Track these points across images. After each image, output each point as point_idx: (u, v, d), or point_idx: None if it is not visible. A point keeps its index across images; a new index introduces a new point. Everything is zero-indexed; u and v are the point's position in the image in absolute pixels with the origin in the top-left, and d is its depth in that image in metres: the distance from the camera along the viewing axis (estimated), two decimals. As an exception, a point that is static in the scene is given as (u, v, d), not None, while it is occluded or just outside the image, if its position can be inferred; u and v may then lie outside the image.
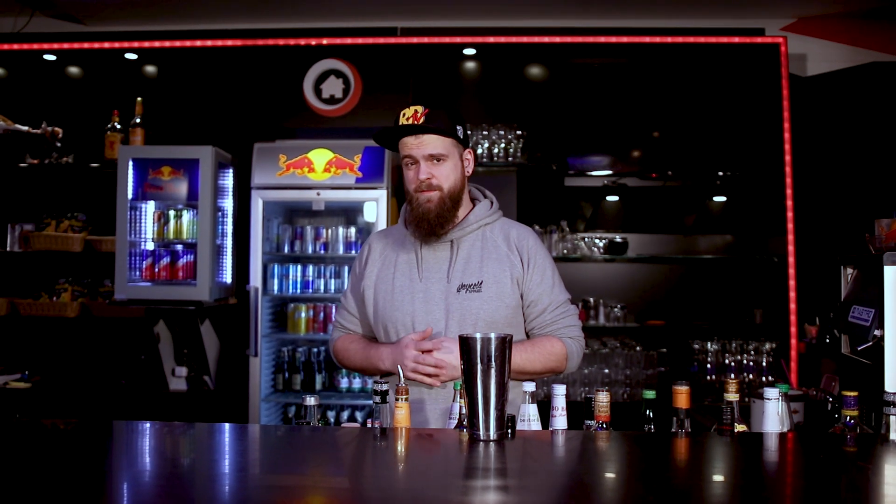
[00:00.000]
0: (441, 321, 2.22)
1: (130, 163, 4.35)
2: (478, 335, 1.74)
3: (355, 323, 2.44)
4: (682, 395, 1.96)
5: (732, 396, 2.06)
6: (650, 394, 2.09)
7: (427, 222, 2.24)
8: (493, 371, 1.73)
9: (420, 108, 2.21)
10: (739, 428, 2.03)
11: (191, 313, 4.35)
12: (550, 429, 1.93)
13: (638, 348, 4.55)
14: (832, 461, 1.70)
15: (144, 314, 4.49)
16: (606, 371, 4.48)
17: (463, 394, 1.78)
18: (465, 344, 1.75)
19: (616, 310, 4.74)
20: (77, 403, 4.58)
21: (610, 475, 1.58)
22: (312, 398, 2.11)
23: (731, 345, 4.51)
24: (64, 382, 4.74)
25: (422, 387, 2.21)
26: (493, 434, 1.74)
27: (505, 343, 1.74)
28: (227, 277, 4.64)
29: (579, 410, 2.02)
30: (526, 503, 1.33)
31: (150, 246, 4.52)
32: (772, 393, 1.97)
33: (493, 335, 1.74)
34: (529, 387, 1.96)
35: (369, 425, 2.12)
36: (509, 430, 1.82)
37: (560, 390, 1.94)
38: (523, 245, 2.32)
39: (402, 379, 1.96)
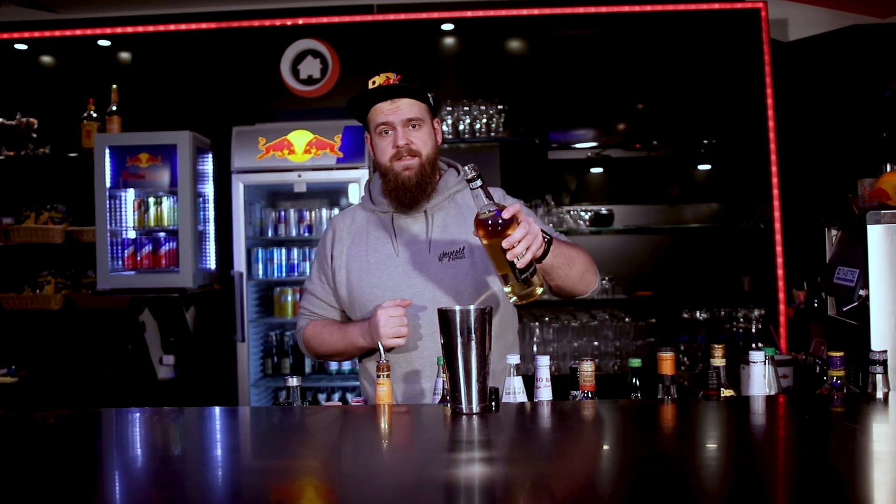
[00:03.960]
0: (426, 293, 2.16)
1: (107, 151, 4.29)
2: (457, 308, 1.71)
3: (325, 308, 2.36)
4: (666, 362, 1.94)
5: (718, 361, 2.04)
6: (636, 362, 2.07)
7: (408, 191, 2.16)
8: (473, 344, 1.70)
9: (392, 74, 2.14)
10: (726, 393, 2.02)
11: (175, 301, 4.31)
12: (535, 400, 1.91)
13: (627, 319, 4.55)
14: (819, 422, 1.68)
15: (129, 303, 4.45)
16: (596, 343, 4.47)
17: (445, 368, 1.75)
18: (445, 317, 1.72)
19: (604, 282, 4.72)
20: (65, 396, 4.55)
21: (593, 443, 1.56)
22: (295, 379, 2.08)
23: (720, 313, 4.51)
24: (51, 376, 4.70)
25: (414, 358, 2.16)
26: (475, 407, 1.71)
27: (485, 315, 1.72)
28: (211, 263, 4.60)
29: (567, 384, 2.00)
30: (507, 474, 1.30)
31: (132, 234, 4.47)
32: (757, 356, 1.95)
33: (472, 307, 1.71)
34: (514, 359, 1.94)
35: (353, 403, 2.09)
36: (493, 403, 1.80)
37: (544, 361, 1.92)
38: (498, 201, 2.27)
39: (383, 355, 1.93)
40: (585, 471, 1.35)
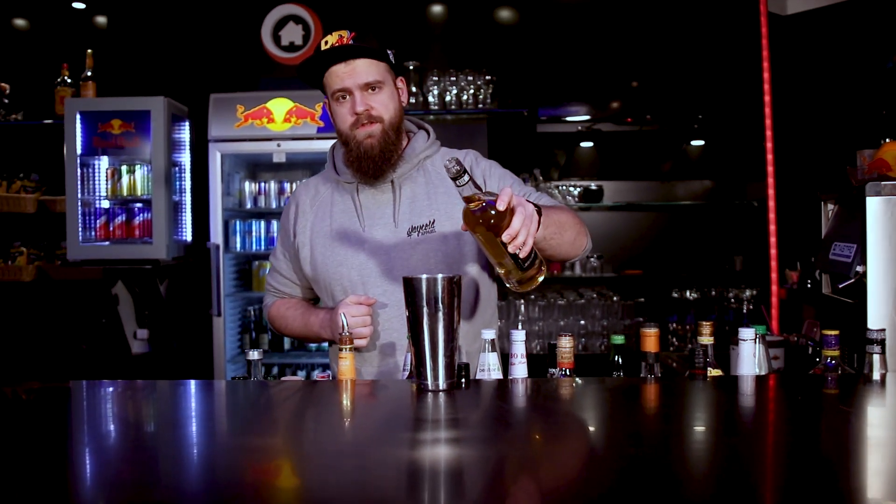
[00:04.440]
0: (395, 270, 2.01)
1: (78, 116, 4.13)
2: (423, 276, 1.58)
3: (291, 286, 2.24)
4: (650, 338, 1.82)
5: (706, 339, 1.92)
6: (618, 339, 1.95)
7: (371, 160, 2.00)
8: (440, 315, 1.57)
9: (345, 32, 1.95)
10: (714, 373, 1.90)
11: (149, 273, 4.17)
12: (510, 377, 1.79)
13: (615, 298, 4.43)
14: (811, 404, 1.56)
15: (102, 275, 4.30)
16: (583, 322, 4.36)
17: (410, 342, 1.62)
18: (410, 286, 1.59)
19: (592, 260, 4.60)
20: (37, 370, 4.42)
21: (566, 424, 1.44)
22: (255, 352, 1.96)
23: (711, 293, 4.40)
24: (23, 349, 4.56)
25: (389, 332, 2.03)
26: (442, 383, 1.59)
27: (453, 284, 1.59)
28: (188, 235, 4.45)
29: (545, 363, 1.88)
30: (465, 456, 1.18)
31: (106, 204, 4.32)
32: (747, 333, 1.83)
33: (439, 276, 1.58)
34: (489, 334, 1.81)
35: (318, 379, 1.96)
36: (462, 380, 1.67)
37: (519, 336, 1.79)
38: (473, 165, 2.12)
39: (346, 327, 1.79)
40: (553, 454, 1.22)
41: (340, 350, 1.76)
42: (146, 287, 4.31)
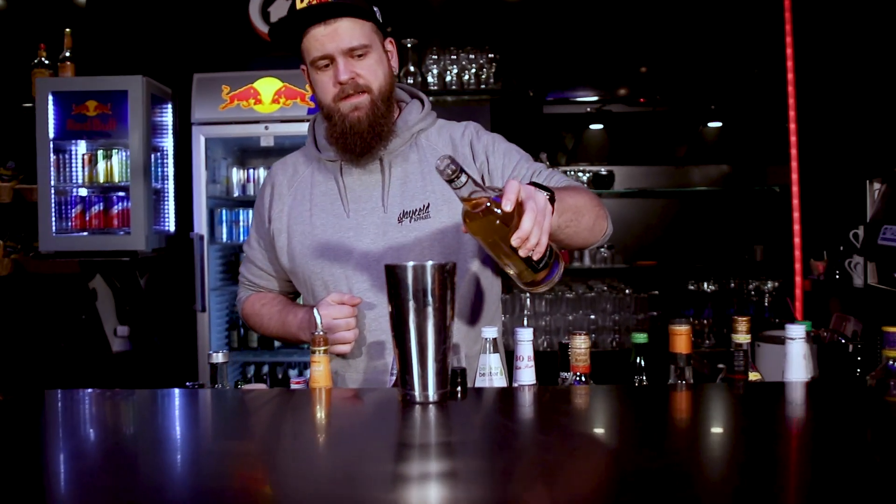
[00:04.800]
0: (383, 263, 1.72)
1: (50, 97, 3.85)
2: (409, 264, 1.30)
3: (267, 278, 1.97)
4: (681, 337, 1.53)
5: (743, 338, 1.66)
6: (640, 337, 1.67)
7: (359, 136, 1.72)
8: (430, 310, 1.29)
9: None
10: (753, 376, 1.62)
11: (128, 265, 3.89)
12: (515, 384, 1.51)
13: (627, 291, 4.15)
14: (886, 417, 1.27)
15: (79, 268, 4.03)
16: (593, 317, 4.07)
17: (395, 344, 1.34)
18: (393, 276, 1.30)
19: (603, 250, 4.33)
20: (14, 369, 4.15)
21: (585, 447, 1.14)
22: (220, 354, 1.69)
23: (730, 284, 4.12)
24: (-1, 347, 4.30)
25: (377, 330, 1.76)
26: (432, 394, 1.30)
27: (445, 273, 1.30)
28: (170, 225, 4.18)
29: (556, 363, 1.60)
30: (461, 500, 0.89)
31: (84, 192, 4.04)
32: (796, 331, 1.54)
33: (429, 264, 1.30)
34: (490, 332, 1.54)
35: (294, 386, 1.68)
36: (458, 388, 1.39)
37: (525, 335, 1.51)
38: (473, 140, 1.84)
39: (320, 326, 1.51)
40: (572, 493, 0.93)
41: (313, 353, 1.48)
42: (126, 281, 4.03)
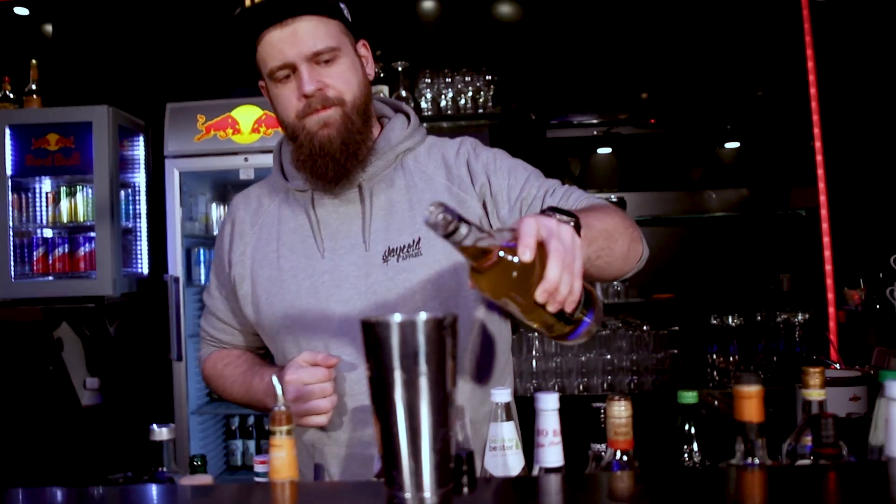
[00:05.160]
0: (366, 313, 1.38)
1: (7, 131, 3.54)
2: (394, 318, 0.94)
3: (231, 332, 1.65)
4: (751, 402, 1.19)
5: (816, 394, 1.33)
6: (689, 396, 1.33)
7: (330, 158, 1.42)
8: (423, 382, 0.93)
9: None
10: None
11: (94, 312, 3.54)
12: (536, 467, 1.17)
13: (645, 328, 3.83)
14: None
15: (41, 316, 3.68)
16: (608, 357, 3.73)
17: (377, 426, 0.98)
18: (372, 335, 0.95)
19: (616, 283, 4.00)
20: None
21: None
22: (165, 429, 1.35)
23: (756, 317, 3.79)
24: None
25: (362, 392, 1.44)
26: (430, 497, 0.94)
27: (444, 328, 0.94)
28: (143, 267, 3.85)
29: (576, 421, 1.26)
30: None
31: (49, 233, 3.72)
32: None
33: (421, 316, 0.94)
34: (502, 396, 1.21)
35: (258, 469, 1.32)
36: (464, 480, 1.04)
37: (549, 402, 1.17)
38: (471, 158, 1.52)
39: (281, 399, 1.15)
40: None
41: (272, 434, 1.13)
42: (95, 328, 3.69)
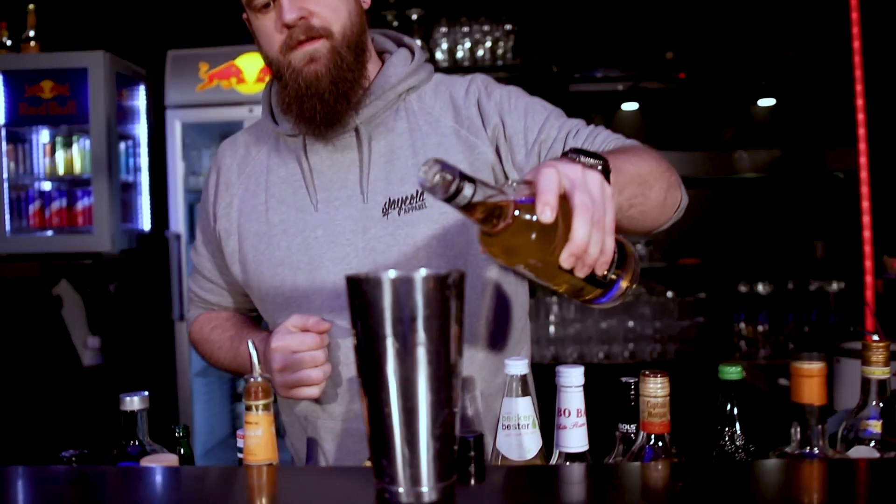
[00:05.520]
0: (364, 270, 1.23)
1: (0, 77, 3.36)
2: (386, 274, 0.76)
3: (218, 293, 1.50)
4: (812, 381, 1.02)
5: (880, 372, 1.17)
6: (733, 372, 1.20)
7: (318, 98, 1.25)
8: (421, 351, 0.76)
9: None
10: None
11: (92, 268, 3.41)
12: (556, 453, 1.01)
13: (669, 294, 3.69)
14: None
15: (39, 272, 3.55)
16: (631, 324, 3.56)
17: (365, 406, 0.81)
18: (358, 294, 0.77)
19: (639, 246, 3.83)
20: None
21: None
22: (136, 398, 1.22)
23: (787, 285, 3.62)
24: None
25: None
26: (428, 491, 0.77)
27: (448, 288, 0.76)
28: (144, 223, 3.70)
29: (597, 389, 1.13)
30: None
31: (47, 186, 3.57)
32: None
33: (421, 273, 0.76)
34: (519, 367, 1.06)
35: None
36: (471, 468, 0.87)
37: (573, 378, 1.02)
38: (482, 97, 1.34)
39: (257, 367, 0.98)
40: None
41: (247, 410, 0.96)
42: (95, 286, 3.56)
